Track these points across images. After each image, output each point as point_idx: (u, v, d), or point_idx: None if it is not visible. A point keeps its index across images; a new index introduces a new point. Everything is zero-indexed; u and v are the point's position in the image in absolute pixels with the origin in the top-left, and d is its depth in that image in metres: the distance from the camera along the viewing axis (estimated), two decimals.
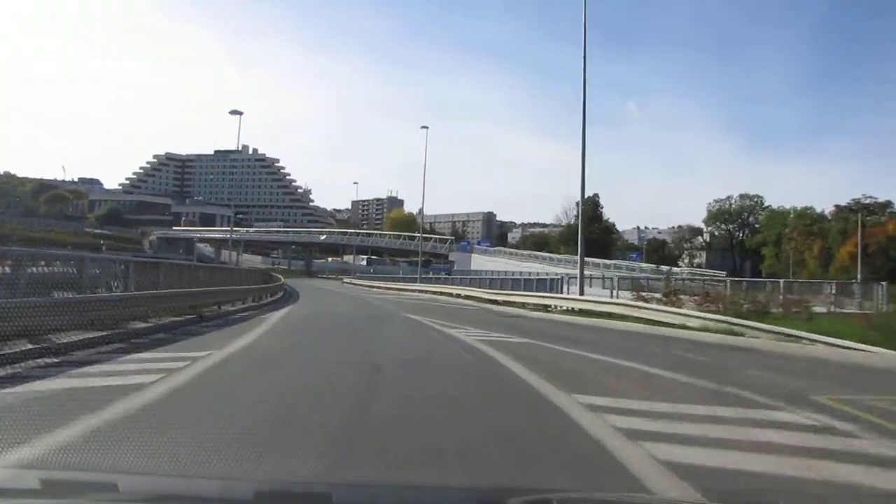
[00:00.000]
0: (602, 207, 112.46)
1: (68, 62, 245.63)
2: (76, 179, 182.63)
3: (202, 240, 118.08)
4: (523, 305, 27.27)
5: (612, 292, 23.88)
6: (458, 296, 38.49)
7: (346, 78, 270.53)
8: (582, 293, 22.76)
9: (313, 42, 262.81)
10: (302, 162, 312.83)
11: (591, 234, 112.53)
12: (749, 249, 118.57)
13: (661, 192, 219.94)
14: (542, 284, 30.79)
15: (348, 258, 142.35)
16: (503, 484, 4.33)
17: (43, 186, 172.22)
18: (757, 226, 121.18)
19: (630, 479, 4.50)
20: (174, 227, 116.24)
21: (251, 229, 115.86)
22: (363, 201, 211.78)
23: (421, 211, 57.02)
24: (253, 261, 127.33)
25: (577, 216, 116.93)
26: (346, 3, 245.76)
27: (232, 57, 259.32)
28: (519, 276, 41.13)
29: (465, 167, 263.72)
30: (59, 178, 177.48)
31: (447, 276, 58.38)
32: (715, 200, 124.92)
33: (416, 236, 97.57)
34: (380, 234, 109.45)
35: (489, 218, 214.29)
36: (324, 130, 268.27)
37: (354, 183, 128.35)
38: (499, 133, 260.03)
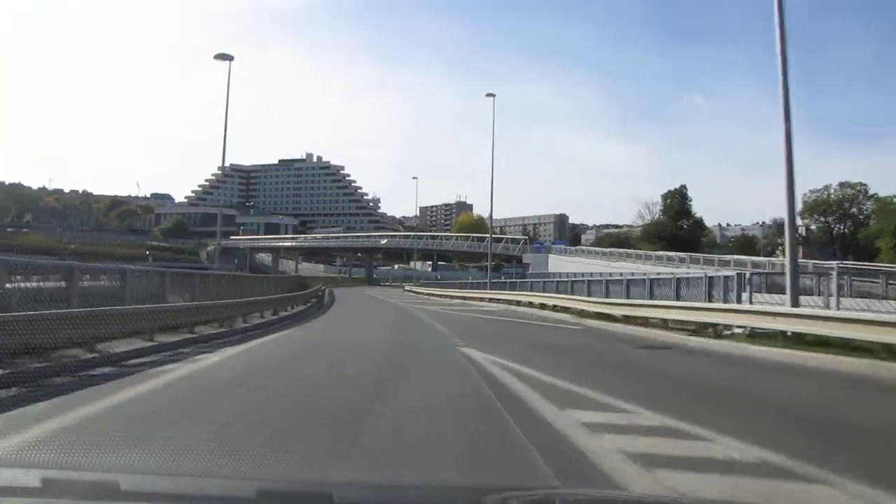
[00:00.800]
0: (690, 200, 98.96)
1: (151, 83, 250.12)
2: (149, 195, 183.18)
3: (257, 249, 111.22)
4: (663, 324, 16.30)
5: (831, 300, 12.59)
6: (542, 306, 27.92)
7: (415, 88, 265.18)
8: (796, 301, 11.63)
9: (383, 55, 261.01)
10: (371, 173, 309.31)
11: (678, 229, 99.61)
12: (854, 243, 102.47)
13: (734, 188, 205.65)
14: (675, 288, 19.45)
15: (416, 265, 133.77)
16: (504, 483, 4.19)
17: (115, 203, 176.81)
18: (862, 217, 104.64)
19: None
20: (231, 238, 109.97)
21: (308, 236, 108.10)
22: (431, 207, 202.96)
23: (491, 198, 46.34)
24: (315, 269, 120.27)
25: (661, 212, 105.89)
26: (414, 14, 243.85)
27: (305, 73, 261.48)
28: (619, 278, 29.42)
29: (533, 171, 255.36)
30: (134, 194, 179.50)
31: (522, 281, 47.91)
32: (811, 191, 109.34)
33: (485, 237, 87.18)
34: (445, 237, 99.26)
35: (561, 220, 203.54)
36: (393, 141, 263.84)
37: (413, 178, 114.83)
38: (566, 136, 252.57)
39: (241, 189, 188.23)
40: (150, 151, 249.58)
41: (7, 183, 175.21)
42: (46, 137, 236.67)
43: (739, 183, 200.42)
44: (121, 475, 2.59)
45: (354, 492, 2.71)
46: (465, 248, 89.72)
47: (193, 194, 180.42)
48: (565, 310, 24.03)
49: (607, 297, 21.33)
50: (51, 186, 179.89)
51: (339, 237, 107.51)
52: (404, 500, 2.64)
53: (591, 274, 45.15)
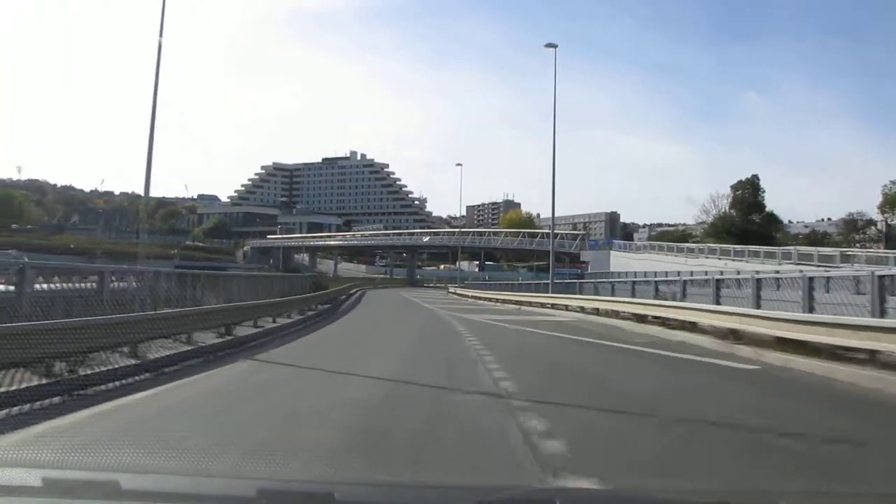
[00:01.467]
0: (763, 192, 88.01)
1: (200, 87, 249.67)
2: (195, 196, 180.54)
3: (294, 248, 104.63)
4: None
5: None
6: (638, 318, 19.03)
7: (458, 88, 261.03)
8: None
9: (429, 56, 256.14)
10: (416, 174, 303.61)
11: (750, 224, 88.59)
12: None
13: (790, 186, 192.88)
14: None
15: (462, 265, 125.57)
16: (505, 483, 4.18)
17: (160, 204, 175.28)
18: None
19: None
20: (269, 237, 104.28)
21: (346, 234, 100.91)
22: (478, 206, 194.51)
23: (553, 177, 37.55)
24: (356, 270, 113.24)
25: (729, 205, 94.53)
26: (460, 15, 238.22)
27: (350, 75, 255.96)
28: (719, 276, 20.30)
29: (580, 170, 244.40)
30: (182, 195, 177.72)
31: (585, 282, 38.94)
32: (892, 182, 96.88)
33: (537, 232, 78.19)
34: (493, 233, 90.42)
35: (612, 218, 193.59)
36: (437, 141, 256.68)
37: (458, 164, 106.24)
38: (614, 136, 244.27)
39: (283, 188, 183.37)
40: (202, 154, 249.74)
41: (59, 185, 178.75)
42: (100, 141, 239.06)
43: (796, 181, 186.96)
44: (123, 475, 2.60)
45: (355, 491, 2.68)
46: (516, 245, 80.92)
47: (236, 194, 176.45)
48: (681, 326, 15.27)
49: (755, 306, 12.65)
50: (103, 188, 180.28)
51: (378, 234, 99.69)
52: (404, 499, 2.64)
53: (662, 274, 36.11)
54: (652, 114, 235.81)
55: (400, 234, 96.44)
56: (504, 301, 37.59)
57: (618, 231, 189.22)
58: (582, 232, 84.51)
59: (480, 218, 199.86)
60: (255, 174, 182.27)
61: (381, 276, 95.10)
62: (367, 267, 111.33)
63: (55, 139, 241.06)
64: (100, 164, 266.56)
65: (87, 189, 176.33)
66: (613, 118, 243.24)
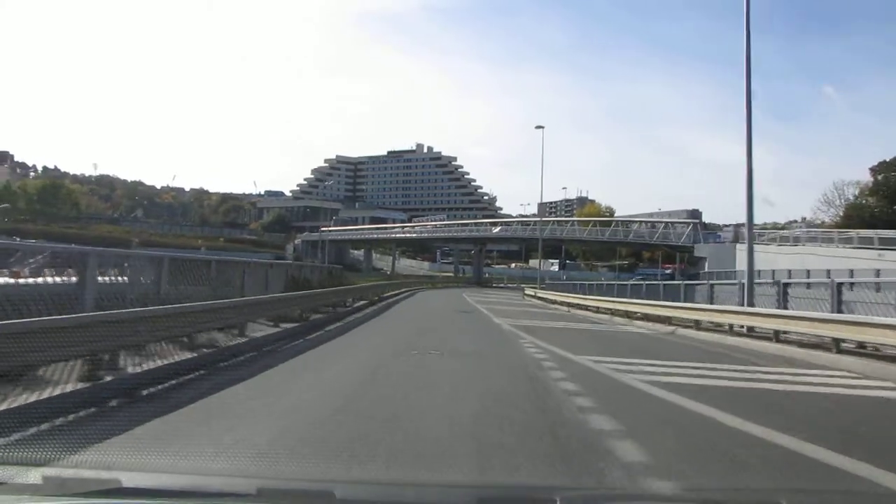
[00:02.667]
0: None
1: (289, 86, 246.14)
2: (263, 193, 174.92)
3: (346, 242, 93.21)
4: None
5: None
6: None
7: (527, 87, 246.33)
8: None
9: (495, 54, 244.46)
10: (485, 172, 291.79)
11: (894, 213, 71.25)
12: None
13: None
14: None
15: (537, 264, 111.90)
16: (505, 483, 4.05)
17: (224, 199, 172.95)
18: None
19: None
20: (322, 229, 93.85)
21: (406, 225, 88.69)
22: (550, 203, 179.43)
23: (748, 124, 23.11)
24: (418, 267, 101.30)
25: (868, 193, 76.32)
26: (529, 14, 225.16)
27: (419, 74, 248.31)
28: None
29: (657, 169, 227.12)
30: (249, 191, 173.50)
31: (720, 283, 24.22)
32: None
33: (634, 220, 63.94)
34: (580, 222, 75.79)
35: (695, 216, 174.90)
36: (506, 140, 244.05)
37: (538, 127, 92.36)
38: (688, 134, 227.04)
39: (347, 182, 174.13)
40: (281, 152, 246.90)
41: (129, 181, 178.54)
42: (170, 138, 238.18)
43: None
44: (123, 473, 2.54)
45: (356, 490, 2.66)
46: (607, 236, 66.38)
47: (298, 188, 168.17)
48: None
49: None
50: (174, 184, 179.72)
51: (440, 226, 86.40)
52: (404, 499, 2.62)
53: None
54: (723, 112, 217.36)
55: (465, 225, 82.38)
56: (623, 312, 23.97)
57: (700, 231, 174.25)
58: (694, 221, 69.26)
59: (553, 214, 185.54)
60: (318, 167, 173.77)
61: (446, 273, 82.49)
62: (430, 264, 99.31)
63: (129, 137, 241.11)
64: (172, 161, 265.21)
65: (158, 185, 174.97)
66: (691, 117, 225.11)
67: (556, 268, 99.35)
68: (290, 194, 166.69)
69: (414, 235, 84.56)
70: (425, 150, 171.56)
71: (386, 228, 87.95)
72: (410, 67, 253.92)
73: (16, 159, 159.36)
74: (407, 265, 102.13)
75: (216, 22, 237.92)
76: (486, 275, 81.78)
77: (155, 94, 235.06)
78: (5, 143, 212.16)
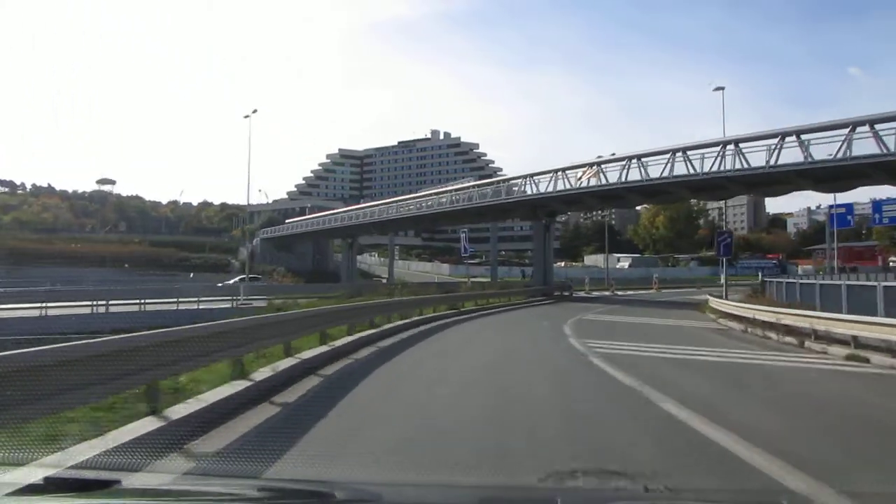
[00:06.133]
0: None
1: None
2: (271, 201, 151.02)
3: (308, 235, 63.55)
4: None
5: None
6: None
7: (541, 88, 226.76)
8: None
9: (511, 58, 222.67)
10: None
11: None
12: None
13: None
14: None
15: (591, 259, 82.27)
16: (505, 483, 3.90)
17: (223, 208, 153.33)
18: None
19: None
20: (287, 221, 66.60)
21: (400, 199, 56.24)
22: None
23: None
24: (434, 272, 72.21)
25: None
26: (537, 14, 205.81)
27: (440, 81, 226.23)
28: None
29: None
30: (258, 201, 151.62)
31: None
32: None
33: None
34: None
35: (757, 203, 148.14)
36: (526, 143, 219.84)
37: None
38: (702, 130, 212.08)
39: (353, 177, 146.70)
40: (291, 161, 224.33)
41: (125, 196, 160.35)
42: (181, 156, 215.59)
43: None
44: (123, 473, 2.48)
45: (355, 490, 2.58)
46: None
47: (296, 188, 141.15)
48: None
49: None
50: (183, 199, 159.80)
51: (447, 191, 50.55)
52: (404, 499, 2.53)
53: None
54: (741, 106, 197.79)
55: (495, 184, 46.23)
56: None
57: (763, 218, 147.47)
58: None
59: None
60: (320, 164, 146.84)
61: (475, 279, 52.41)
62: (450, 267, 70.60)
63: (140, 155, 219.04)
64: (184, 179, 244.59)
65: (165, 201, 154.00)
66: (704, 112, 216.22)
67: (624, 264, 70.39)
68: (286, 195, 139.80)
69: (407, 214, 50.51)
70: (441, 136, 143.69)
71: (368, 209, 57.61)
72: (421, 72, 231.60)
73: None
74: (418, 270, 73.56)
75: (214, 23, 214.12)
76: (563, 279, 46.06)
77: (159, 112, 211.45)
78: None
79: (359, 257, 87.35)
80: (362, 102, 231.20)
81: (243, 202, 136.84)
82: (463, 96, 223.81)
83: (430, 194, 50.92)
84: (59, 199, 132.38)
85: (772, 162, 28.32)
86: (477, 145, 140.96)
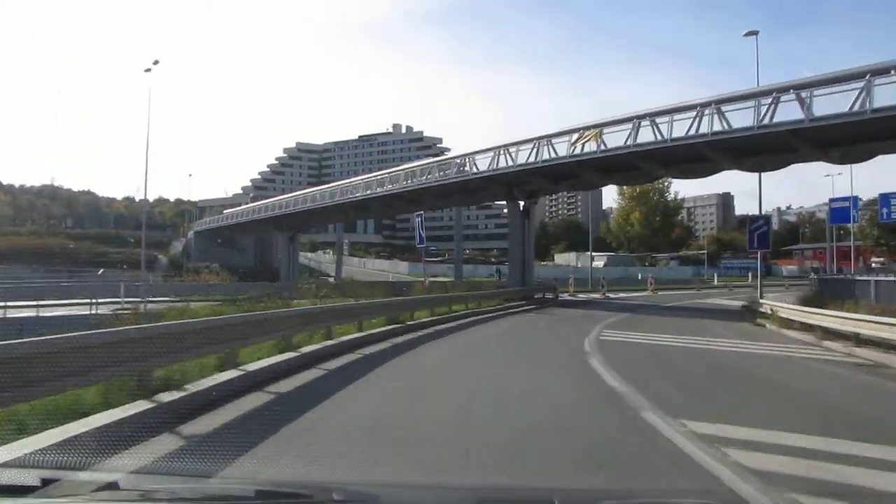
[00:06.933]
0: None
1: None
2: (231, 195, 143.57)
3: (248, 225, 56.43)
4: None
5: None
6: None
7: (511, 92, 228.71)
8: None
9: (476, 60, 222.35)
10: None
11: None
12: None
13: None
14: None
15: (563, 258, 77.10)
16: (504, 483, 3.89)
17: (177, 204, 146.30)
18: None
19: None
20: (225, 211, 59.62)
21: (348, 182, 49.01)
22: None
23: None
24: (390, 271, 65.17)
25: None
26: (503, 18, 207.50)
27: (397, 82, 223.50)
28: None
29: None
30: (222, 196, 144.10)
31: None
32: None
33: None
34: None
35: (726, 201, 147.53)
36: (492, 142, 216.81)
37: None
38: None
39: (311, 174, 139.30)
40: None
41: (77, 191, 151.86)
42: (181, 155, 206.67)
43: None
44: (119, 474, 2.45)
45: (355, 491, 2.53)
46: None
47: (251, 183, 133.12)
48: None
49: None
50: (152, 198, 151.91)
51: (417, 168, 41.33)
52: (404, 499, 2.53)
53: None
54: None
55: (460, 157, 38.27)
56: None
57: (732, 219, 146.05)
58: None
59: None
60: (276, 159, 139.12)
61: (434, 278, 44.96)
62: (409, 265, 64.02)
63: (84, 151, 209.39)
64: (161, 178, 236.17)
65: (120, 197, 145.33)
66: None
67: (599, 262, 64.86)
68: (241, 191, 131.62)
69: (368, 195, 43.21)
70: (403, 130, 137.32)
71: (310, 194, 50.42)
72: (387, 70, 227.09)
73: None
74: (375, 269, 66.97)
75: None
76: (549, 278, 42.04)
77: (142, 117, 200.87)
78: None
79: (311, 255, 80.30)
80: (323, 99, 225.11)
81: (201, 198, 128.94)
82: (429, 97, 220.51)
83: (383, 174, 44.08)
84: (1, 193, 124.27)
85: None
86: (440, 140, 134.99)
